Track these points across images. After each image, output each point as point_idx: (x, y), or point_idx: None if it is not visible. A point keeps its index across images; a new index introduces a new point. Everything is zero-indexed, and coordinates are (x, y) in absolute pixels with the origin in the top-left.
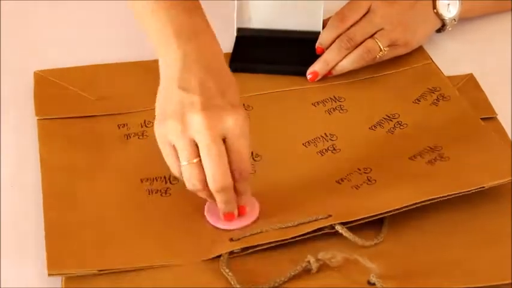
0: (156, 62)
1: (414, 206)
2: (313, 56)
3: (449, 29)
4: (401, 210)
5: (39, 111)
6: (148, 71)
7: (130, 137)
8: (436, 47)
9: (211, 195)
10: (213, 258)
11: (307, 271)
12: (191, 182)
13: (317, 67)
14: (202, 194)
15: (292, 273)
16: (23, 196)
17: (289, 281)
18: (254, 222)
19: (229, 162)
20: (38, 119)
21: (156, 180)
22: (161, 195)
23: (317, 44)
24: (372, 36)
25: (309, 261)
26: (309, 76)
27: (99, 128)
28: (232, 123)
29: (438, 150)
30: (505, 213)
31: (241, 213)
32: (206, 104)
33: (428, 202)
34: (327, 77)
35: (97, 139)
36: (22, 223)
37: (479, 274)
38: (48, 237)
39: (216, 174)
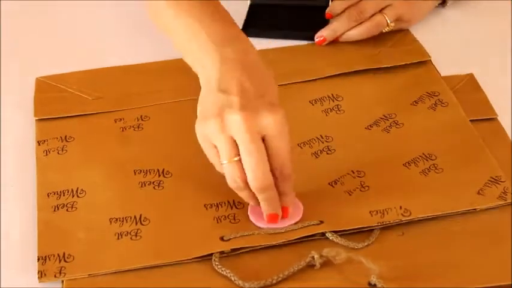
0: (148, 64)
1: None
2: (322, 23)
3: (449, 4)
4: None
5: (38, 112)
6: (143, 73)
7: (125, 129)
8: (437, 47)
9: (253, 196)
10: (203, 256)
11: (310, 267)
12: (233, 179)
13: (325, 33)
14: (244, 195)
15: (296, 268)
16: (23, 196)
17: (292, 276)
18: (296, 223)
19: (269, 161)
20: (36, 120)
21: (150, 172)
22: (154, 187)
23: (327, 11)
24: (380, 10)
25: (313, 257)
26: (316, 39)
27: (95, 122)
28: (270, 122)
29: (433, 160)
30: (505, 214)
31: (284, 215)
32: (245, 105)
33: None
34: (334, 42)
35: (93, 132)
36: (22, 223)
37: (480, 275)
38: (41, 239)
39: (256, 173)
